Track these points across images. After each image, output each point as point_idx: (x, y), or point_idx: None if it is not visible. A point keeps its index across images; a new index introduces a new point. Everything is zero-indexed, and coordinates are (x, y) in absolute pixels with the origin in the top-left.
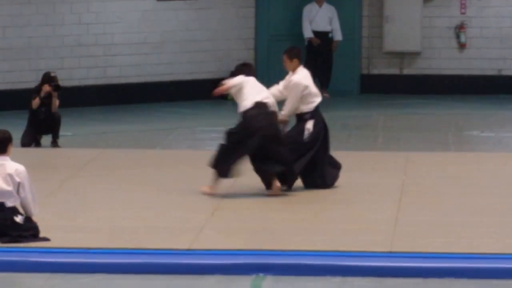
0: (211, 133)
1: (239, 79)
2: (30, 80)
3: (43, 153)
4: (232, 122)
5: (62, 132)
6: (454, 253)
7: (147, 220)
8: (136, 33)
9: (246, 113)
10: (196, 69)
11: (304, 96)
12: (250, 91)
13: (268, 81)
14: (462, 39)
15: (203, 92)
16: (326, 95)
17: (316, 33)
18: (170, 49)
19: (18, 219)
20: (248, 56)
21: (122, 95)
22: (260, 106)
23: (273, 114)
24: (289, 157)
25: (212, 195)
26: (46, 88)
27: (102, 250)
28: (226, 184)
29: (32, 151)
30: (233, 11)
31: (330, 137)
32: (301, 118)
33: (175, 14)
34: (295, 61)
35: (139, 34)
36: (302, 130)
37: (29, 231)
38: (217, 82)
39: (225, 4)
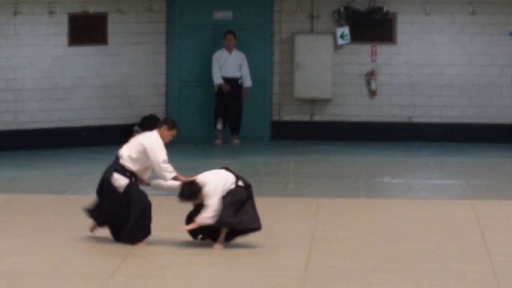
0: None
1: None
2: None
3: None
4: None
5: None
6: None
7: (57, 266)
8: (47, 78)
9: None
10: (107, 114)
11: None
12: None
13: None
14: (373, 86)
15: (114, 138)
16: (236, 141)
17: (226, 79)
18: (81, 94)
19: None
20: (159, 102)
21: (32, 140)
22: None
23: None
24: None
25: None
26: None
27: None
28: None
29: None
30: (144, 57)
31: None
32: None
33: (86, 59)
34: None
35: (50, 79)
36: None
37: None
38: (128, 127)
39: (136, 50)
